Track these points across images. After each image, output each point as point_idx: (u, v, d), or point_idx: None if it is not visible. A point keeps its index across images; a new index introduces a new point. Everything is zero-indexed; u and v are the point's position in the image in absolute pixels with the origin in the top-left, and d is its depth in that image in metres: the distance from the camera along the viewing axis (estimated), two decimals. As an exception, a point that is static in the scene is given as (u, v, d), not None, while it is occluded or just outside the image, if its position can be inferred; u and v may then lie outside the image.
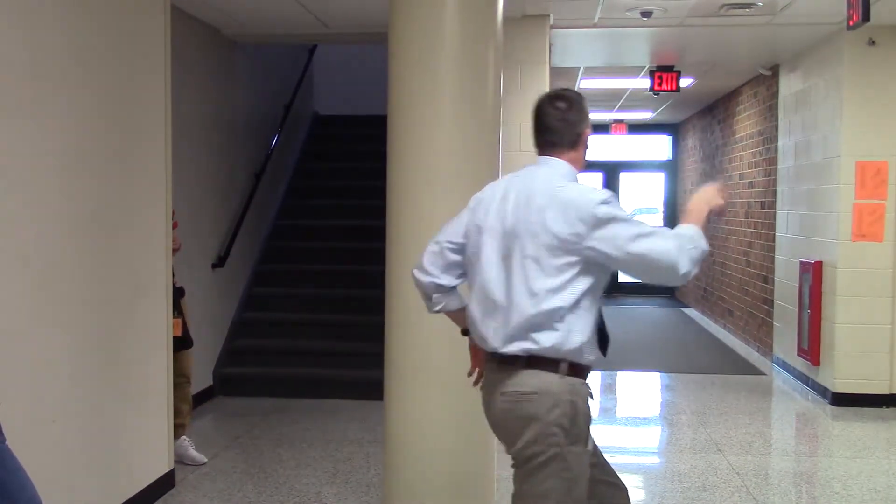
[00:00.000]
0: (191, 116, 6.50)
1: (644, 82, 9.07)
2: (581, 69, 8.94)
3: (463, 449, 3.97)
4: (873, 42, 6.67)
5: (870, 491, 4.90)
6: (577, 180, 2.79)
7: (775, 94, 8.61)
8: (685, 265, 2.55)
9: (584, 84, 9.89)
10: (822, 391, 7.10)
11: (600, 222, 2.57)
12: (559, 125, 2.83)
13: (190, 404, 5.36)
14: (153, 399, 4.62)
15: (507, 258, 2.67)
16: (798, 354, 7.60)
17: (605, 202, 2.59)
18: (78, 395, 3.89)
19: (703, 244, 2.62)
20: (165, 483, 4.72)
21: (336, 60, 10.65)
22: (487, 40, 3.97)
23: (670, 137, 14.74)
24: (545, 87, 6.57)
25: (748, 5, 6.06)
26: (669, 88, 8.63)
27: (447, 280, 2.84)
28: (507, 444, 2.72)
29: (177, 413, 5.08)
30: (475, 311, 2.75)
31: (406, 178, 3.94)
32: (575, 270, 2.60)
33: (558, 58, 7.89)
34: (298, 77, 9.77)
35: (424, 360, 3.91)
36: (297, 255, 8.48)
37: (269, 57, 8.70)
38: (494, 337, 2.67)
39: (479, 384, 2.86)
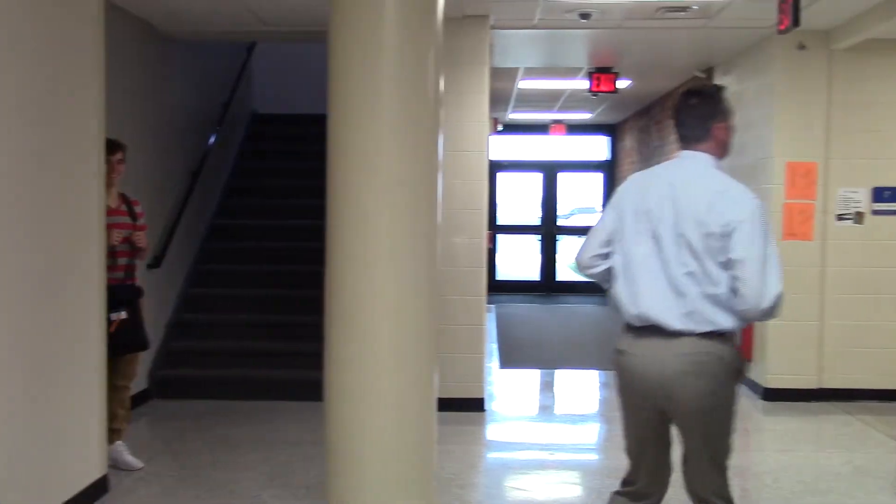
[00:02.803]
0: (125, 114, 6.37)
1: (583, 83, 9.18)
2: (521, 70, 9.00)
3: (405, 448, 3.97)
4: (803, 46, 6.85)
5: (799, 483, 5.03)
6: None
7: (710, 97, 8.76)
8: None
9: (524, 85, 9.97)
10: (754, 386, 7.27)
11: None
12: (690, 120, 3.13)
13: (128, 409, 5.26)
14: (84, 402, 4.51)
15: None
16: (732, 351, 7.75)
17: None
18: (4, 398, 3.79)
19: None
20: (99, 488, 4.62)
21: (275, 58, 10.55)
22: (428, 40, 3.97)
23: (608, 138, 14.92)
24: (485, 88, 6.61)
25: (684, 8, 6.17)
26: (607, 90, 8.74)
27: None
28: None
29: (113, 417, 4.98)
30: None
31: (346, 177, 3.93)
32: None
33: (499, 58, 7.94)
34: (236, 75, 9.66)
35: (365, 359, 3.90)
36: (236, 255, 8.39)
37: (207, 54, 8.58)
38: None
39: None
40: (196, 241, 8.28)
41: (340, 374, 3.96)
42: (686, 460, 3.19)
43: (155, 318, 7.10)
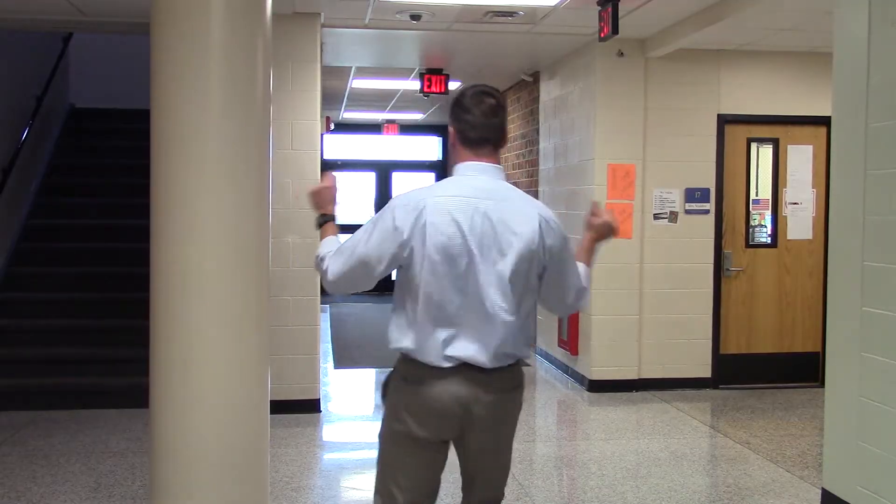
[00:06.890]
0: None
1: (415, 84, 9.27)
2: (353, 69, 8.99)
3: (235, 453, 3.88)
4: (622, 54, 7.20)
5: (622, 470, 5.29)
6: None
7: (536, 99, 9.08)
8: None
9: (357, 84, 9.96)
10: (580, 379, 7.58)
11: None
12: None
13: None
14: None
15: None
16: (559, 345, 8.07)
17: None
18: None
19: None
20: None
21: (95, 50, 10.05)
22: (256, 35, 3.89)
23: (440, 139, 15.17)
24: (316, 86, 6.56)
25: (510, 13, 6.35)
26: (438, 91, 8.87)
27: None
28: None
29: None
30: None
31: (171, 175, 3.79)
32: None
33: (330, 56, 7.89)
34: (52, 66, 9.14)
35: (191, 363, 3.78)
36: (54, 256, 7.94)
37: (18, 43, 8.07)
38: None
39: None
40: (7, 243, 7.79)
41: (166, 379, 3.82)
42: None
43: (-39, 325, 6.63)
